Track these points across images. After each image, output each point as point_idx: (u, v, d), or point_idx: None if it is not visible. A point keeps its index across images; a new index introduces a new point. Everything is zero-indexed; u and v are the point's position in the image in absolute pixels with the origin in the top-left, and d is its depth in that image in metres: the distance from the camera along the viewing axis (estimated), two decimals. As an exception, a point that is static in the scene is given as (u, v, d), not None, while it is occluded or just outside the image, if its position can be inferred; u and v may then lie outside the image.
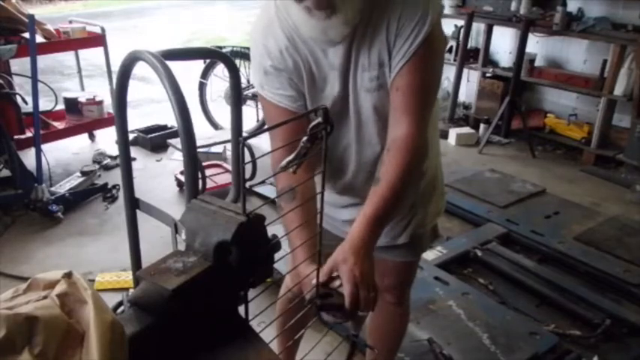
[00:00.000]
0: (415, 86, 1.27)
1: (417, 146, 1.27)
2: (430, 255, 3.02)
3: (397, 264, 1.70)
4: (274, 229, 0.92)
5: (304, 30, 1.27)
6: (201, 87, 4.91)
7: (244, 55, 4.36)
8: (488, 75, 5.28)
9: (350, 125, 1.42)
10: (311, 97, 1.40)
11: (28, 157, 3.63)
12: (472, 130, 5.11)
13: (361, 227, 1.20)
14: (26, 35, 3.58)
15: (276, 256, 0.96)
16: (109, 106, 4.43)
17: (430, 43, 1.25)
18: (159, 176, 4.13)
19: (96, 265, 3.00)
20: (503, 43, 5.33)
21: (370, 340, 1.97)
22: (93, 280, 2.85)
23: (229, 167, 3.94)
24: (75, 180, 3.87)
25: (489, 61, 5.35)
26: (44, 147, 3.62)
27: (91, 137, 4.74)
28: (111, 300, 2.44)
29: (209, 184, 3.68)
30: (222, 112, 4.68)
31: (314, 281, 1.12)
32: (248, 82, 4.55)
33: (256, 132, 0.88)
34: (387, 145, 1.31)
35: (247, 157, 3.07)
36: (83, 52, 4.74)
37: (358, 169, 1.50)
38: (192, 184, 1.01)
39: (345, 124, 1.42)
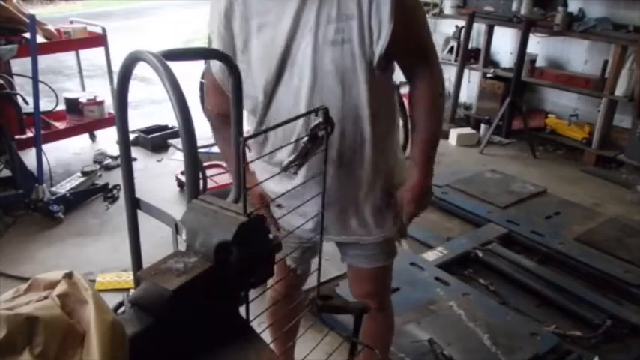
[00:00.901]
0: (412, 38, 1.42)
1: (435, 83, 1.49)
2: (431, 255, 3.02)
3: (371, 270, 1.71)
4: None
5: None
6: (202, 87, 4.90)
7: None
8: (489, 75, 5.28)
9: (303, 82, 1.38)
10: (259, 52, 1.41)
11: (29, 158, 3.63)
12: (473, 131, 5.11)
13: (417, 172, 1.51)
14: (27, 35, 3.58)
15: (277, 256, 0.96)
16: (109, 107, 4.43)
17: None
18: (160, 176, 4.13)
19: (96, 265, 3.00)
20: (504, 43, 5.33)
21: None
22: (93, 281, 2.85)
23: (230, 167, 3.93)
24: (76, 180, 3.87)
25: (490, 62, 5.35)
26: (45, 147, 3.62)
27: (92, 137, 4.74)
28: (111, 300, 2.44)
29: (210, 184, 3.68)
30: (223, 113, 4.67)
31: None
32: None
33: (257, 133, 0.88)
34: (410, 91, 1.54)
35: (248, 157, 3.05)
36: (84, 53, 4.74)
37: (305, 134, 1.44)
38: (192, 184, 1.01)
39: (299, 79, 1.38)
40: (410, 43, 1.41)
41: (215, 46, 1.45)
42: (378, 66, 1.37)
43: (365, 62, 1.35)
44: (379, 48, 1.33)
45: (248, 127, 1.52)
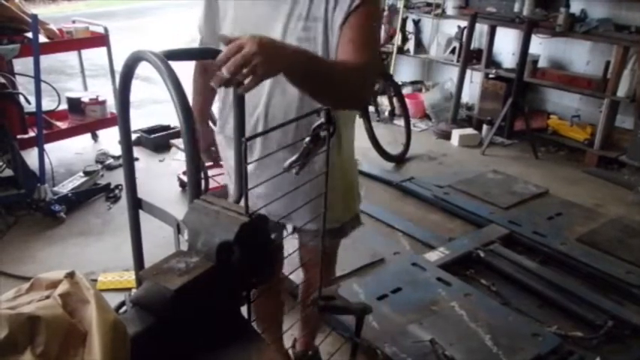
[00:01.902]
0: (362, 35, 1.41)
1: (371, 71, 1.44)
2: (432, 256, 3.02)
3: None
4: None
5: None
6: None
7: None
8: (491, 76, 5.28)
9: None
10: (232, 25, 1.52)
11: (31, 157, 3.63)
12: (475, 131, 5.11)
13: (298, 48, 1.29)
14: (29, 35, 3.58)
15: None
16: (111, 106, 4.44)
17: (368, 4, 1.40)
18: (161, 176, 4.13)
19: (98, 265, 3.00)
20: (506, 44, 5.33)
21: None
22: (95, 280, 2.85)
23: (232, 167, 3.92)
24: (77, 180, 3.87)
25: (492, 62, 5.34)
26: (47, 147, 3.63)
27: (94, 137, 4.75)
28: (113, 300, 2.44)
29: (212, 184, 3.68)
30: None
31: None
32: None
33: (259, 133, 0.88)
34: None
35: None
36: (86, 52, 4.75)
37: (264, 119, 1.54)
38: (194, 184, 1.01)
39: None
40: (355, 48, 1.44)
41: (202, 13, 1.62)
42: None
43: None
44: (336, 26, 1.42)
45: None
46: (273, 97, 1.50)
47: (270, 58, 1.09)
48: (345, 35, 1.41)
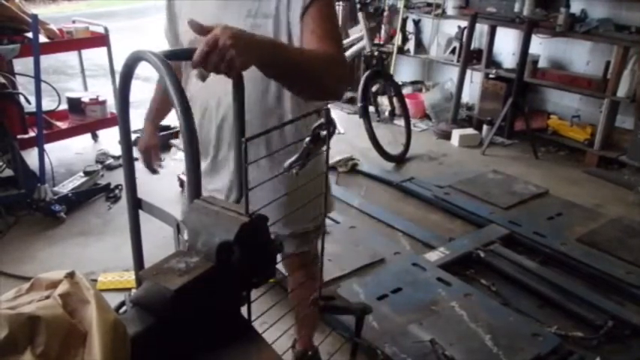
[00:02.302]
0: (323, 27, 1.43)
1: (339, 59, 1.43)
2: (433, 256, 3.02)
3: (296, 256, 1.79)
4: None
5: None
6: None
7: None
8: (491, 76, 5.27)
9: None
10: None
11: (31, 157, 3.63)
12: (475, 132, 5.10)
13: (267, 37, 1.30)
14: (29, 35, 3.58)
15: (279, 256, 0.96)
16: (112, 106, 4.43)
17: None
18: (162, 176, 4.10)
19: (98, 265, 3.00)
20: (506, 44, 5.33)
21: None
22: (95, 280, 2.85)
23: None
24: (78, 180, 3.87)
25: (492, 63, 5.34)
26: (47, 147, 3.63)
27: (94, 137, 4.75)
28: (113, 300, 2.44)
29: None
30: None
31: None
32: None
33: (259, 133, 0.88)
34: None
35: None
36: (86, 52, 4.75)
37: (217, 117, 1.58)
38: (194, 184, 1.01)
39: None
40: (318, 38, 1.46)
41: (165, 17, 1.66)
42: None
43: None
44: (295, 21, 1.44)
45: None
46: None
47: (245, 49, 1.10)
48: (307, 27, 1.43)
